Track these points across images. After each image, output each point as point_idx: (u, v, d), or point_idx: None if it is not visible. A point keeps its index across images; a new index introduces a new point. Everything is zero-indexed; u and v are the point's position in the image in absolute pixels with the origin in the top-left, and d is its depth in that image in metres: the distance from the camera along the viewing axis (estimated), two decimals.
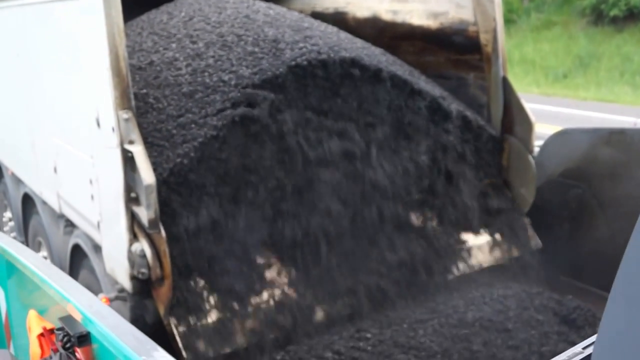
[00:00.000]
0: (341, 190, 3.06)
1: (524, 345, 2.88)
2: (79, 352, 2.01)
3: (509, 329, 2.96)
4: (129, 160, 2.55)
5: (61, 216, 3.60)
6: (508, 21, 18.19)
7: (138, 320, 2.72)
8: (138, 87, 3.08)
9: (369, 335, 2.88)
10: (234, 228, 2.84)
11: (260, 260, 2.89)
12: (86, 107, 2.84)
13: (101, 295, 2.89)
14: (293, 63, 3.05)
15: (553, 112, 11.80)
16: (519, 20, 19.51)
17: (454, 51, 3.79)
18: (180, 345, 2.61)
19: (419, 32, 3.94)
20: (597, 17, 17.64)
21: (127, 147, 2.54)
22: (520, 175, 3.61)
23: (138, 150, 2.53)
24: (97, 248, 3.06)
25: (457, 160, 3.49)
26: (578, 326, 3.08)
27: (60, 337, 2.02)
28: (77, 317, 2.06)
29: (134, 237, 2.60)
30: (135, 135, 2.56)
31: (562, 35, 17.97)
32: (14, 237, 4.86)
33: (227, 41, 3.27)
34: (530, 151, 3.55)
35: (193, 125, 2.87)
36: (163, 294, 2.61)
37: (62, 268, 3.50)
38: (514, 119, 3.56)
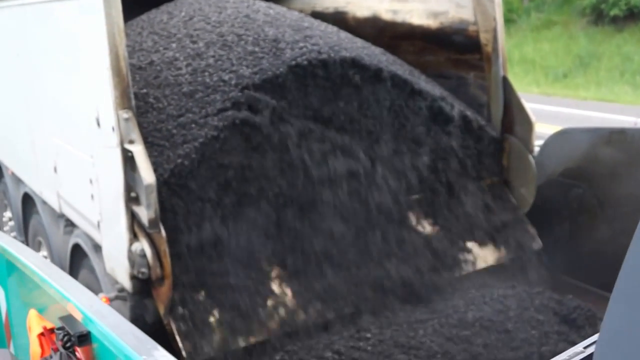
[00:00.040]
0: (344, 210, 3.05)
1: (524, 345, 2.88)
2: (79, 352, 2.01)
3: (509, 329, 2.96)
4: (129, 160, 2.54)
5: (61, 216, 3.60)
6: (508, 21, 18.19)
7: (138, 320, 2.72)
8: (138, 87, 3.07)
9: (369, 335, 2.88)
10: (235, 230, 2.84)
11: (260, 261, 2.89)
12: (86, 107, 2.83)
13: (101, 295, 2.88)
14: (293, 63, 3.05)
15: (553, 111, 11.80)
16: (519, 19, 19.52)
17: (454, 51, 3.79)
18: (180, 344, 2.61)
19: (419, 31, 3.94)
20: (597, 16, 17.64)
21: (127, 146, 2.54)
22: (520, 175, 3.61)
23: (138, 150, 2.53)
24: (97, 248, 3.06)
25: (458, 160, 3.49)
26: (578, 326, 3.08)
27: (61, 336, 2.03)
28: (78, 316, 2.06)
29: (134, 237, 2.60)
30: (136, 134, 2.56)
31: (562, 35, 17.97)
32: (14, 237, 4.85)
33: (228, 41, 3.26)
34: (531, 151, 3.54)
35: (193, 125, 2.87)
36: (163, 293, 2.61)
37: (62, 268, 3.50)
38: (514, 118, 3.56)
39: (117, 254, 2.71)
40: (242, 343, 2.73)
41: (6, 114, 4.52)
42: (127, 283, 2.66)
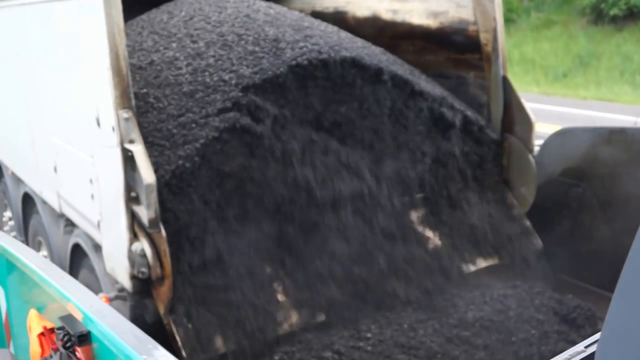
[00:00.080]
0: (347, 231, 3.06)
1: (524, 344, 2.88)
2: (79, 351, 2.01)
3: (509, 329, 2.96)
4: (129, 160, 2.54)
5: (61, 215, 3.60)
6: (508, 20, 18.19)
7: (138, 320, 2.72)
8: (138, 87, 3.07)
9: (369, 335, 2.88)
10: (235, 230, 2.84)
11: (261, 261, 2.89)
12: (86, 107, 2.83)
13: (101, 295, 2.88)
14: (294, 62, 3.04)
15: (553, 111, 11.80)
16: (518, 19, 19.52)
17: (454, 50, 3.79)
18: (180, 344, 2.61)
19: (419, 31, 3.94)
20: (597, 16, 17.64)
21: (127, 146, 2.54)
22: (520, 174, 3.61)
23: (138, 150, 2.53)
24: (97, 247, 3.06)
25: (458, 161, 3.49)
26: (578, 325, 3.08)
27: (61, 336, 2.03)
28: (78, 316, 2.06)
29: (134, 237, 2.59)
30: (136, 134, 2.56)
31: (562, 35, 17.98)
32: (14, 237, 4.85)
33: (228, 40, 3.26)
34: (531, 150, 3.54)
35: (194, 125, 2.87)
36: (163, 293, 2.61)
37: (62, 267, 3.49)
38: (514, 118, 3.56)
39: (117, 254, 2.71)
40: (242, 343, 2.73)
41: (6, 113, 4.52)
42: (127, 283, 2.65)
